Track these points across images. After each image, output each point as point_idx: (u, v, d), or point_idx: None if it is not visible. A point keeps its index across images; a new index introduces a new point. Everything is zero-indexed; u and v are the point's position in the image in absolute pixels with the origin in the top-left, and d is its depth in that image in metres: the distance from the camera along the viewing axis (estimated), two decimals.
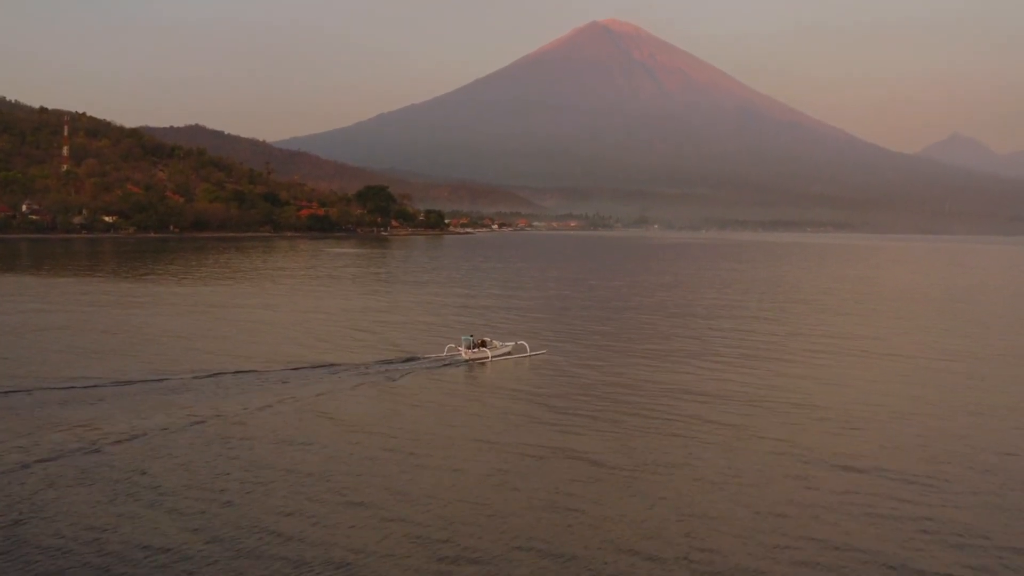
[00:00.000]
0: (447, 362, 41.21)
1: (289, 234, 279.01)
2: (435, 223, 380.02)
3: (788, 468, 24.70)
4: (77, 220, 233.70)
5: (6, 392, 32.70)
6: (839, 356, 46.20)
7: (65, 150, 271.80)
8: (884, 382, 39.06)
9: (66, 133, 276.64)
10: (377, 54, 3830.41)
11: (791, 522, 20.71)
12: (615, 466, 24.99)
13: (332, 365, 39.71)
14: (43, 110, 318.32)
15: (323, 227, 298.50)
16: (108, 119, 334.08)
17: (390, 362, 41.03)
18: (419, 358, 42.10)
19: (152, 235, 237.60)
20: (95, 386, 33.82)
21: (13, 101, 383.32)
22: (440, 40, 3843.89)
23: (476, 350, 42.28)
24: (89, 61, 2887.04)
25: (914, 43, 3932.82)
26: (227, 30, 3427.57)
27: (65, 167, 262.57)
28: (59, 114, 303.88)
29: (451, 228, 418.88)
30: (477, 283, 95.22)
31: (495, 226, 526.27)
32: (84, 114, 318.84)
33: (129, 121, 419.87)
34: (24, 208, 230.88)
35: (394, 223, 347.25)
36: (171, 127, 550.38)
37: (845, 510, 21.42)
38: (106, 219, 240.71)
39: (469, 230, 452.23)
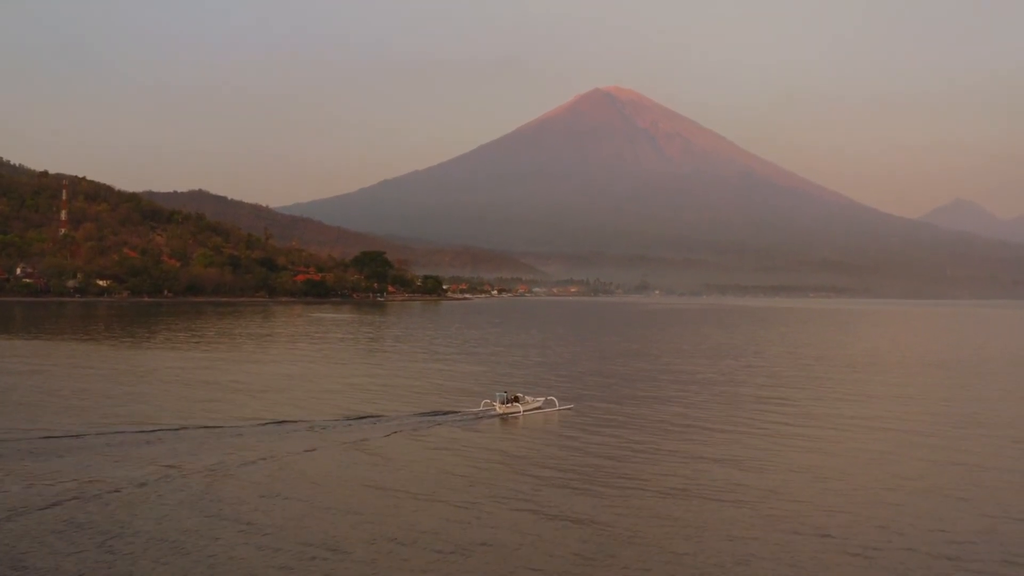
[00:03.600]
0: (482, 416, 44.15)
1: (284, 299, 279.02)
2: (432, 289, 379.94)
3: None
4: (71, 284, 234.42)
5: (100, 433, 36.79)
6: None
7: (63, 214, 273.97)
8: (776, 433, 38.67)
9: (65, 197, 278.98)
10: (380, 121, 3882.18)
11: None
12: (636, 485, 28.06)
13: (377, 416, 42.81)
14: (44, 174, 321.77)
15: (319, 292, 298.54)
16: (113, 184, 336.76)
17: (433, 414, 44.17)
18: (457, 412, 45.08)
19: (146, 299, 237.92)
20: (158, 430, 37.92)
21: (17, 165, 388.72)
22: (443, 107, 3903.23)
23: (509, 405, 44.98)
24: (95, 127, 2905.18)
25: (916, 110, 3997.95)
26: (232, 98, 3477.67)
27: (63, 231, 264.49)
28: (59, 178, 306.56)
29: (449, 294, 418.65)
30: (466, 346, 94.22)
31: (494, 292, 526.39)
32: (84, 178, 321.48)
33: (134, 186, 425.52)
34: (18, 271, 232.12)
35: (391, 289, 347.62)
36: (175, 192, 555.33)
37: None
38: (100, 283, 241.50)
39: (467, 296, 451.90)
